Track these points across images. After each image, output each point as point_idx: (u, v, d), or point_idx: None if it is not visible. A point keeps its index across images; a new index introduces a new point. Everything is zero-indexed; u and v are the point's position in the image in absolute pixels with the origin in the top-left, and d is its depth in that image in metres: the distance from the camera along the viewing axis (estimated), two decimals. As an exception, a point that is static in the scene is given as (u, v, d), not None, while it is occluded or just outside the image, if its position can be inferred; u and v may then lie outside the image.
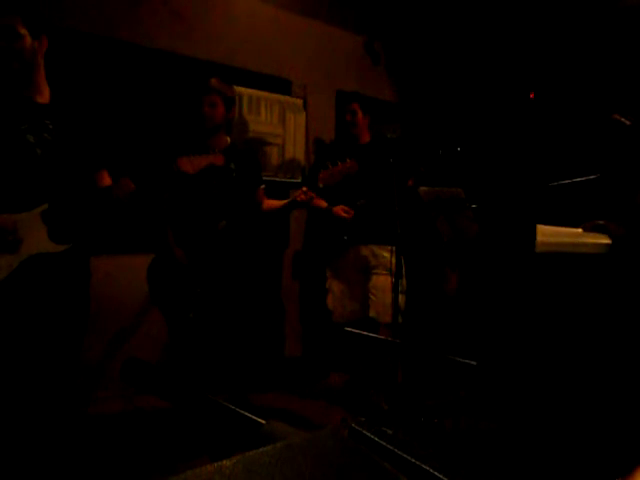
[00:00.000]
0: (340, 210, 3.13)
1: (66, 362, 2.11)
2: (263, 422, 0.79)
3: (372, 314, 3.16)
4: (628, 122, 2.32)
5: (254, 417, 0.80)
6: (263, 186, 2.92)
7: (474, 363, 1.24)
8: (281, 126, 3.95)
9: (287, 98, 4.00)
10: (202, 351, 2.75)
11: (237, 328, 2.85)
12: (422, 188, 2.68)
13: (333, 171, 2.52)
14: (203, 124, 2.74)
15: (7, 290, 1.90)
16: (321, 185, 2.54)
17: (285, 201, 2.84)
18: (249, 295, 3.00)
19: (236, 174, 2.74)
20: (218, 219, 2.66)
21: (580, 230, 2.55)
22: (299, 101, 4.07)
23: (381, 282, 3.13)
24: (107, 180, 2.27)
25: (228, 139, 2.83)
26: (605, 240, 2.40)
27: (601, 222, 2.48)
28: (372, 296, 3.17)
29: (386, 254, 3.10)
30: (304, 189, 2.57)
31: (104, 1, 3.15)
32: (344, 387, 3.52)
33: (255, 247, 3.10)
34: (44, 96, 2.07)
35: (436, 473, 0.65)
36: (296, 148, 4.05)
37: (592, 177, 2.46)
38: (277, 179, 3.86)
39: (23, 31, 1.96)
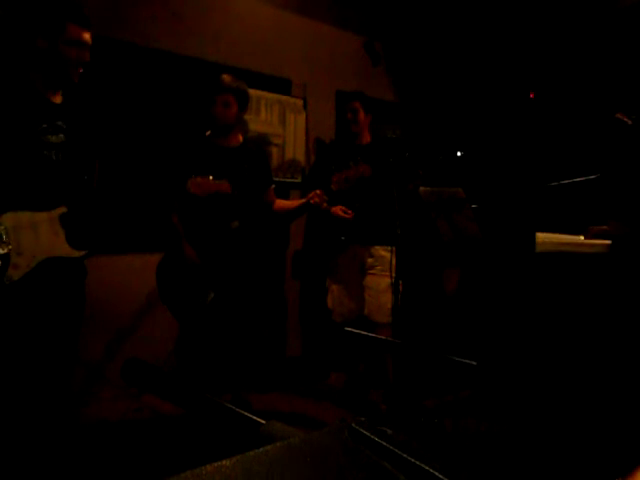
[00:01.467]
0: (339, 210, 3.12)
1: (65, 362, 2.10)
2: (263, 422, 0.79)
3: (365, 312, 3.17)
4: (630, 121, 2.33)
5: (254, 417, 0.80)
6: (273, 186, 2.91)
7: (474, 363, 1.24)
8: (281, 126, 3.95)
9: (287, 98, 4.00)
10: (210, 350, 2.75)
11: (244, 328, 2.85)
12: (422, 188, 2.67)
13: (348, 175, 2.52)
14: (215, 124, 2.70)
15: (21, 290, 1.89)
16: (334, 188, 2.55)
17: (298, 202, 2.82)
18: (256, 295, 3.01)
19: (248, 173, 2.73)
20: (231, 218, 2.66)
21: (581, 238, 2.56)
22: (299, 101, 4.07)
23: (376, 281, 3.14)
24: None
25: (240, 137, 2.81)
26: (605, 241, 2.40)
27: (603, 227, 2.48)
28: (367, 295, 3.18)
29: (385, 254, 3.09)
30: (318, 192, 2.56)
31: (104, 1, 3.15)
32: (344, 387, 3.51)
33: (263, 247, 3.10)
34: (58, 96, 2.07)
35: (436, 473, 0.65)
36: (296, 148, 4.05)
37: (592, 177, 2.46)
38: (277, 179, 3.86)
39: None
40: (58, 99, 2.06)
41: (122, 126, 3.20)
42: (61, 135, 2.00)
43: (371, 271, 3.18)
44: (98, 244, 2.16)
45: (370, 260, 3.19)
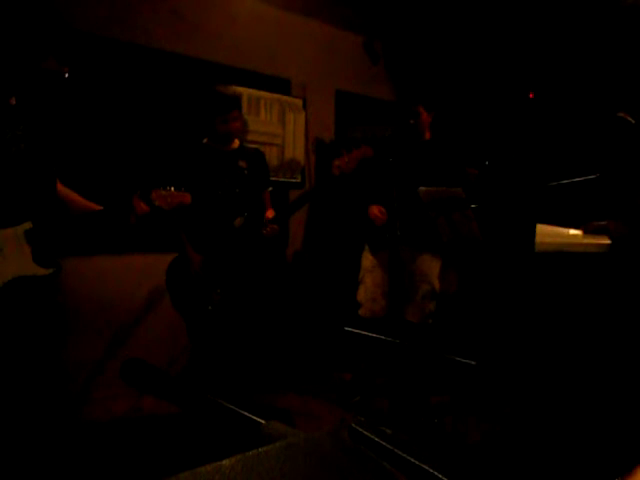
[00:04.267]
0: (377, 212, 3.00)
1: (46, 376, 2.01)
2: (262, 422, 0.79)
3: (409, 317, 3.05)
4: (633, 120, 2.32)
5: (254, 417, 0.80)
6: (270, 188, 2.93)
7: (474, 363, 1.24)
8: (281, 126, 3.95)
9: (287, 98, 4.00)
10: (218, 350, 2.76)
11: (247, 327, 2.86)
12: (422, 188, 2.67)
13: (349, 158, 2.49)
14: (228, 138, 2.73)
15: None
16: (336, 172, 2.51)
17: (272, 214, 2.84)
18: (259, 294, 3.01)
19: (248, 172, 2.77)
20: (233, 217, 2.67)
21: (580, 232, 2.55)
22: (299, 101, 4.07)
23: (418, 286, 3.05)
24: (58, 185, 2.13)
25: (237, 141, 2.85)
26: (605, 240, 2.40)
27: (602, 223, 2.48)
28: (415, 299, 3.06)
29: (430, 260, 3.06)
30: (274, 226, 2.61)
31: (104, 1, 3.15)
32: (345, 387, 3.51)
33: (265, 245, 3.07)
34: (13, 99, 1.90)
35: (436, 473, 0.65)
36: (296, 148, 4.04)
37: (592, 177, 2.46)
38: (277, 179, 3.86)
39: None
40: (13, 101, 1.90)
41: (121, 127, 3.20)
42: (21, 145, 1.86)
43: (420, 277, 3.06)
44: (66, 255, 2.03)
45: (414, 265, 3.08)
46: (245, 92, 3.72)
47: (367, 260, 3.22)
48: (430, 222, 2.74)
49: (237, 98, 2.74)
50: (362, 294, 3.21)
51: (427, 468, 0.66)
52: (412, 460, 0.67)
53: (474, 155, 3.17)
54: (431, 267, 3.05)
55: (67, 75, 1.93)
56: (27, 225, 1.85)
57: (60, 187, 2.14)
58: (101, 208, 2.10)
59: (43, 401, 2.00)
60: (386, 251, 3.09)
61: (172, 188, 2.16)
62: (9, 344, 1.87)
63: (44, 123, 2.02)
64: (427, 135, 3.23)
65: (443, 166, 3.07)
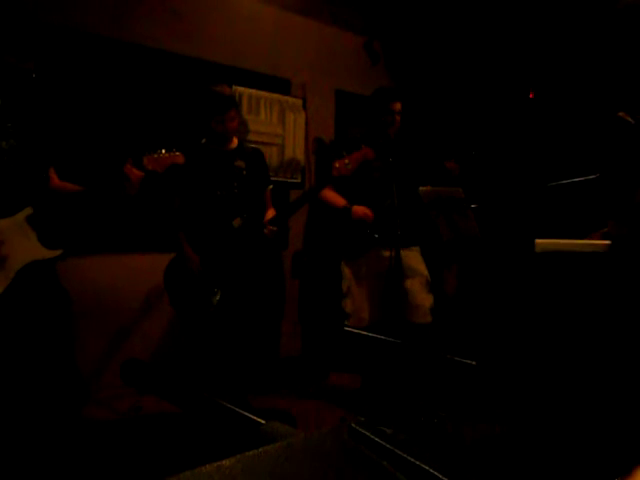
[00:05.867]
0: (362, 212, 2.90)
1: (61, 364, 2.06)
2: (263, 422, 0.79)
3: (408, 317, 2.99)
4: (633, 121, 2.32)
5: (253, 417, 0.80)
6: (271, 187, 2.93)
7: (474, 363, 1.24)
8: (281, 126, 3.95)
9: (287, 98, 4.00)
10: (215, 350, 2.76)
11: (246, 328, 2.86)
12: (422, 188, 2.67)
13: (349, 159, 2.46)
14: (224, 137, 2.73)
15: (6, 303, 1.82)
16: (335, 174, 2.48)
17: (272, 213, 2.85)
18: (258, 294, 3.00)
19: (246, 172, 2.77)
20: (232, 217, 2.68)
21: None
22: (299, 101, 4.07)
23: (412, 284, 2.99)
24: (55, 179, 2.18)
25: (236, 140, 2.85)
26: (605, 240, 2.40)
27: (604, 230, 2.48)
28: (408, 298, 2.99)
29: (413, 256, 3.04)
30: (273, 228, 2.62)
31: (103, 0, 3.15)
32: (344, 387, 3.51)
33: (264, 245, 3.06)
34: None
35: (436, 473, 0.65)
36: (296, 148, 4.04)
37: (592, 177, 2.46)
38: (277, 179, 3.86)
39: None
40: None
41: (123, 128, 3.20)
42: (11, 140, 1.91)
43: (407, 273, 2.99)
44: (75, 239, 2.10)
45: (402, 262, 2.96)
46: (245, 92, 3.72)
47: (349, 270, 3.10)
48: (422, 221, 2.74)
49: (234, 99, 2.74)
50: (350, 305, 3.08)
51: (427, 468, 0.66)
52: (412, 460, 0.67)
53: (453, 150, 3.11)
54: (419, 261, 3.03)
55: (33, 72, 1.94)
56: (27, 211, 1.89)
57: (54, 178, 2.15)
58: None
59: (48, 399, 2.01)
60: (368, 254, 3.02)
61: (163, 150, 2.18)
62: (24, 332, 1.91)
63: (34, 118, 2.04)
64: (392, 136, 3.09)
65: (420, 164, 3.04)
